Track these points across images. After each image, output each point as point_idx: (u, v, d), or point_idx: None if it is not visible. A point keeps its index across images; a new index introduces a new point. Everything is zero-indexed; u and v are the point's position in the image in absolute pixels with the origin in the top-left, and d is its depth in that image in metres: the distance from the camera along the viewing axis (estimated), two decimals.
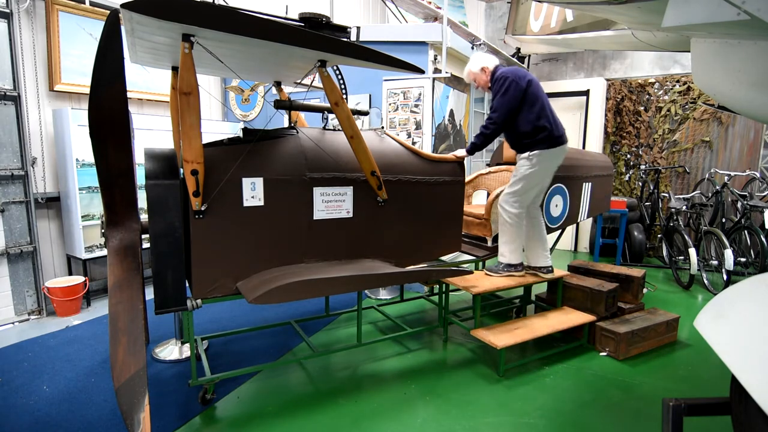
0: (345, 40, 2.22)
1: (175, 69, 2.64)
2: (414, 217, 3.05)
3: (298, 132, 2.70)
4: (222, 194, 2.35)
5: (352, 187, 2.74)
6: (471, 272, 3.41)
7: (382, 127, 3.26)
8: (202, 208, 2.31)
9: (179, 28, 1.83)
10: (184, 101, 2.05)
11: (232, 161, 2.38)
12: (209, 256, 2.40)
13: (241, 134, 2.53)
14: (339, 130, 2.86)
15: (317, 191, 2.63)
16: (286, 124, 2.95)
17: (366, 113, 3.24)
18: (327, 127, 2.93)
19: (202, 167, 2.21)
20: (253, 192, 2.44)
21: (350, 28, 2.50)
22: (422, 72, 2.68)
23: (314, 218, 2.65)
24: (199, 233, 2.35)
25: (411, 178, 2.99)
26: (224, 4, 1.95)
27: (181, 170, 2.48)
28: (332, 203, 2.70)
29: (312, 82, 2.87)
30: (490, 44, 5.84)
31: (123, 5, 1.60)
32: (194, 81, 2.04)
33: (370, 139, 2.91)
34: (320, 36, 2.09)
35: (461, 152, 3.27)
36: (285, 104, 2.73)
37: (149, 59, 2.53)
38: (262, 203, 2.48)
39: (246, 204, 2.43)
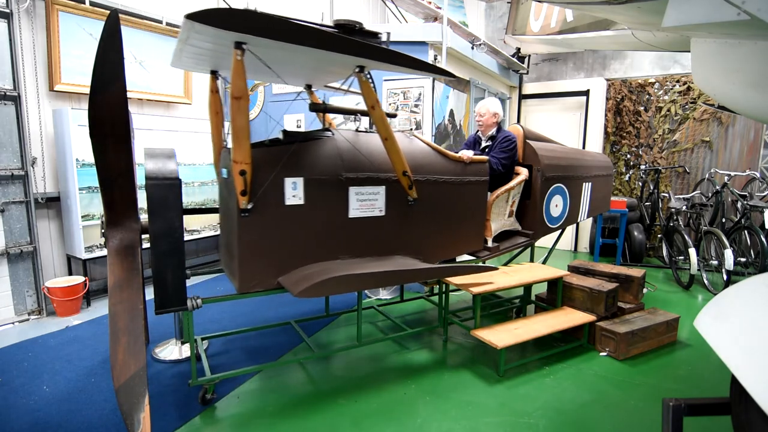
0: (382, 46, 2.34)
1: (213, 73, 2.78)
2: (441, 215, 3.17)
3: (333, 134, 2.82)
4: (266, 193, 2.45)
5: (384, 187, 2.86)
6: (497, 268, 3.50)
7: (411, 129, 3.36)
8: (249, 207, 2.40)
9: (233, 37, 1.93)
10: (235, 105, 2.14)
11: (275, 162, 2.48)
12: (254, 253, 2.50)
13: (281, 136, 2.62)
14: (371, 131, 3.00)
15: (352, 191, 2.75)
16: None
17: (394, 116, 3.31)
18: (359, 129, 3.04)
19: (249, 168, 2.29)
20: (294, 191, 2.55)
21: (381, 33, 2.58)
22: (453, 76, 2.76)
23: (349, 216, 2.76)
24: (245, 230, 2.44)
25: (438, 178, 3.11)
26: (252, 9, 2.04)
27: (224, 170, 2.61)
28: (366, 202, 2.81)
29: (350, 86, 2.97)
30: (490, 44, 5.84)
31: (187, 16, 1.73)
32: (245, 86, 2.13)
33: (400, 141, 2.98)
34: (361, 43, 2.18)
35: (469, 153, 3.39)
36: (320, 107, 2.84)
37: (191, 64, 2.64)
38: (302, 202, 2.59)
39: (288, 203, 2.54)
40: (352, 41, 2.15)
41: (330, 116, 3.47)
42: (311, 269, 2.60)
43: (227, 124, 2.67)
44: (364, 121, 3.16)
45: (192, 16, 1.72)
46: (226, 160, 2.69)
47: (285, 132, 2.64)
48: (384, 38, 2.59)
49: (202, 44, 2.13)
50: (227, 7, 1.88)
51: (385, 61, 2.33)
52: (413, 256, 3.06)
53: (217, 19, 1.77)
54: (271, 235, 2.53)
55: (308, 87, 3.27)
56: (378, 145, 2.84)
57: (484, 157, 3.43)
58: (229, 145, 2.57)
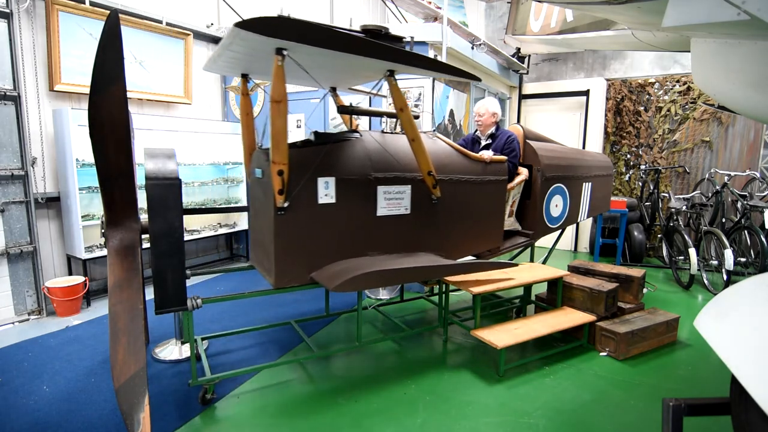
0: (412, 51, 2.44)
1: (243, 76, 2.93)
2: (462, 214, 3.28)
3: (361, 135, 2.93)
4: (300, 192, 2.55)
5: (410, 186, 2.97)
6: (517, 265, 3.63)
7: (434, 130, 3.47)
8: (285, 205, 2.49)
9: (275, 43, 2.04)
10: (275, 108, 2.25)
11: (309, 162, 2.58)
12: (289, 249, 2.60)
13: (312, 137, 2.74)
14: (396, 132, 3.15)
15: (380, 190, 2.86)
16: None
17: (417, 117, 3.41)
18: (385, 130, 3.17)
19: (287, 168, 2.38)
20: (326, 190, 2.66)
21: (405, 37, 2.68)
22: (479, 80, 2.88)
23: (377, 214, 2.87)
24: (281, 228, 2.54)
25: (460, 178, 3.21)
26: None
27: (258, 170, 2.71)
28: (393, 201, 2.93)
29: (379, 89, 3.13)
30: (490, 44, 5.84)
31: (237, 24, 1.84)
32: (284, 90, 2.25)
33: (424, 141, 3.07)
34: (393, 48, 2.30)
35: (489, 153, 3.50)
36: (348, 109, 2.95)
37: (225, 68, 2.81)
38: (333, 201, 2.69)
39: (320, 201, 2.65)
40: (385, 47, 2.27)
41: (341, 117, 3.55)
42: (343, 265, 2.70)
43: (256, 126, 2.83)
44: (364, 122, 3.21)
45: (241, 25, 1.84)
46: (259, 161, 2.78)
47: (316, 133, 2.75)
48: (408, 42, 2.70)
49: (240, 50, 2.24)
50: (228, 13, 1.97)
51: (414, 65, 2.46)
52: (436, 253, 3.16)
53: (264, 27, 1.89)
54: (305, 233, 2.63)
55: (333, 89, 3.36)
56: (403, 146, 2.97)
57: (503, 157, 3.51)
58: (264, 146, 2.74)
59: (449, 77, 2.79)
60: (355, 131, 2.97)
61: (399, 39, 2.59)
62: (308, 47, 2.05)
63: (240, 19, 1.86)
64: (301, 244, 2.63)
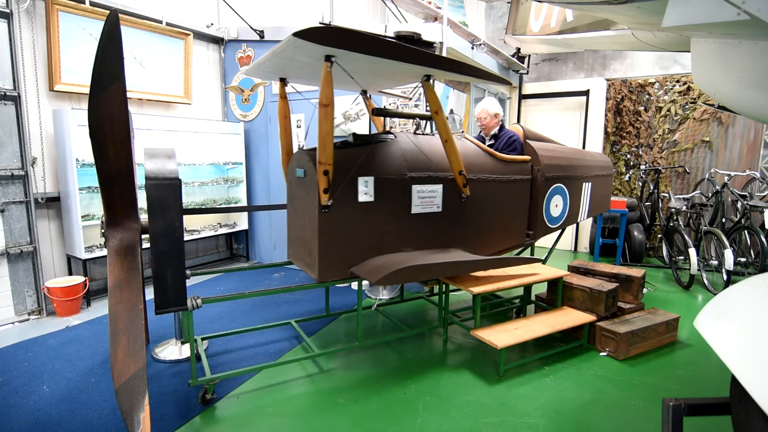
0: (445, 56, 2.60)
1: (282, 80, 3.12)
2: (489, 211, 3.42)
3: (396, 137, 3.06)
4: (343, 191, 2.69)
5: (441, 185, 3.10)
6: (540, 260, 3.76)
7: (462, 131, 3.58)
8: (329, 203, 2.63)
9: (326, 51, 2.16)
10: (322, 112, 2.36)
11: (350, 162, 2.72)
12: (332, 245, 2.74)
13: (351, 139, 2.89)
14: (426, 134, 3.31)
15: (415, 188, 2.99)
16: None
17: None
18: (417, 132, 3.31)
19: (332, 168, 2.52)
20: (366, 189, 2.79)
21: (436, 43, 2.72)
22: (509, 84, 2.92)
23: (412, 212, 3.01)
24: (325, 225, 2.68)
25: (488, 177, 3.35)
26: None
27: (299, 170, 2.86)
28: (426, 199, 3.05)
29: (414, 93, 3.24)
30: (490, 44, 5.84)
31: (295, 34, 1.97)
32: (332, 95, 2.36)
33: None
34: (431, 55, 2.40)
35: None
36: (382, 112, 3.07)
37: (267, 73, 3.00)
38: (372, 199, 2.83)
39: (360, 199, 2.79)
40: (426, 54, 2.38)
41: (373, 120, 3.70)
42: (382, 260, 2.82)
43: (293, 128, 2.91)
44: (360, 124, 3.24)
45: (299, 34, 1.98)
46: (300, 161, 2.89)
47: (355, 135, 2.90)
48: (437, 47, 2.77)
49: (287, 56, 2.36)
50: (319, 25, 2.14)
51: (449, 70, 2.55)
52: (465, 249, 3.27)
53: (318, 36, 2.02)
54: (346, 229, 2.76)
55: (364, 92, 3.47)
56: (435, 147, 3.11)
57: (527, 157, 3.61)
58: (303, 146, 2.98)
59: (484, 82, 2.94)
60: (390, 132, 3.08)
61: (430, 44, 2.71)
62: (356, 54, 2.17)
63: (297, 29, 1.97)
64: (343, 241, 2.76)
